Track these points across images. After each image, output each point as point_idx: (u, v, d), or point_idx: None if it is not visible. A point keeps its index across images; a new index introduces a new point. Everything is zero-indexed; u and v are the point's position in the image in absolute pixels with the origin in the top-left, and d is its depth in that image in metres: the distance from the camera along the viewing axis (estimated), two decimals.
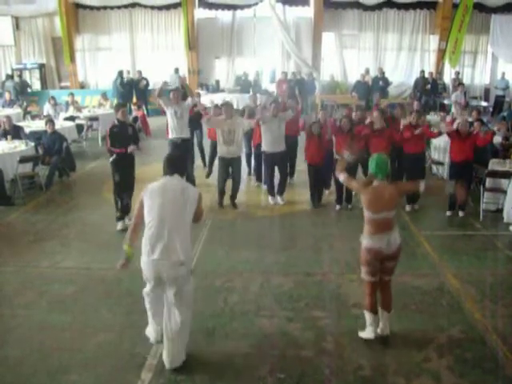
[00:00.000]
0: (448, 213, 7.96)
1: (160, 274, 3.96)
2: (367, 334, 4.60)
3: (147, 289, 4.26)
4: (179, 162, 4.26)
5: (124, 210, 7.38)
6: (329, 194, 8.83)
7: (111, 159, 7.23)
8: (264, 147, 8.25)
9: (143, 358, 4.37)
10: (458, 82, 16.72)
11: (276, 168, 8.43)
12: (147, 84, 17.51)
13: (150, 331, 4.50)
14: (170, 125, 8.18)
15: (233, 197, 8.33)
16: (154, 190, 4.02)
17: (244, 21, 18.79)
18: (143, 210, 4.01)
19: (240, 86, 17.83)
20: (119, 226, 7.31)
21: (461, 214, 7.95)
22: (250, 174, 9.94)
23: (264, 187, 9.04)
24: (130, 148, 7.10)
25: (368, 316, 4.58)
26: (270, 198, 8.54)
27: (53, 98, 14.11)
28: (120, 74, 17.09)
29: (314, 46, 18.58)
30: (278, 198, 8.47)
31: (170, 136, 8.26)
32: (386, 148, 7.75)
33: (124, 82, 17.17)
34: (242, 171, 8.52)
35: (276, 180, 8.54)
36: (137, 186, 7.36)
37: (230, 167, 8.19)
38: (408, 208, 8.10)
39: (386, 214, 4.38)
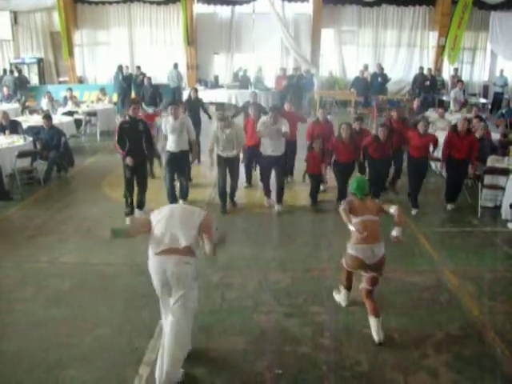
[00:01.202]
0: (448, 206, 8.12)
1: (165, 271, 3.87)
2: (340, 298, 5.15)
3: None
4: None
5: (139, 206, 7.70)
6: (325, 189, 8.78)
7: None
8: (262, 150, 8.10)
9: (141, 353, 4.37)
10: (457, 79, 16.68)
11: (273, 172, 8.19)
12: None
13: None
14: (168, 138, 7.76)
15: (231, 195, 8.25)
16: (162, 207, 4.25)
17: (243, 16, 18.74)
18: (144, 224, 4.09)
19: (239, 82, 17.77)
20: (128, 221, 7.35)
21: (449, 207, 8.09)
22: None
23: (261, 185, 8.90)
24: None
25: (343, 290, 5.14)
26: (266, 199, 8.31)
27: (48, 93, 14.03)
28: (120, 68, 17.02)
29: (312, 42, 18.54)
30: (276, 206, 8.08)
31: (169, 148, 7.80)
32: (388, 152, 8.01)
33: (124, 76, 17.09)
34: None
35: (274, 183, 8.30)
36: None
37: (227, 165, 8.09)
38: (414, 212, 7.93)
39: (370, 216, 4.65)
